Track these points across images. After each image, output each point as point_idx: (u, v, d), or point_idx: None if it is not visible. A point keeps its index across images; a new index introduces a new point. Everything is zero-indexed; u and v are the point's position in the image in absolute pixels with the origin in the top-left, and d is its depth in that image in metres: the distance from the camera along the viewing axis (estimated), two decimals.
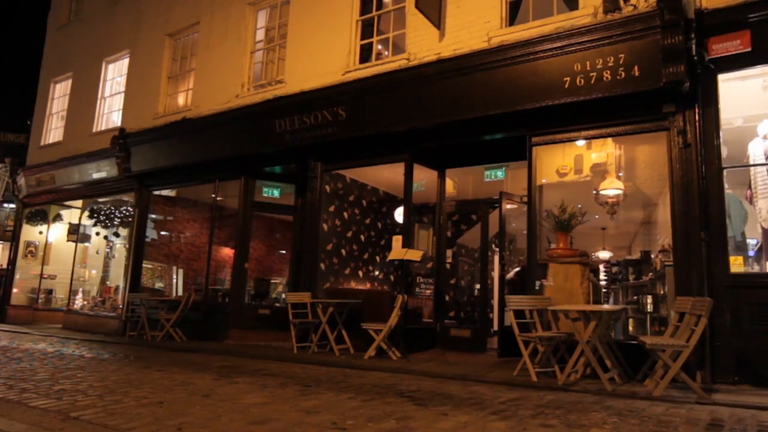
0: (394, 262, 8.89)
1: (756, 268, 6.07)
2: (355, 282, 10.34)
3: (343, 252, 10.06)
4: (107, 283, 13.38)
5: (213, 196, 10.77)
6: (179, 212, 12.92)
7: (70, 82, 14.32)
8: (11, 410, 3.66)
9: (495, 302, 9.73)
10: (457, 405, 4.20)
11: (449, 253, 9.44)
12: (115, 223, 12.98)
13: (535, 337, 5.79)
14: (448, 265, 9.33)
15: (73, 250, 13.57)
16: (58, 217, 14.64)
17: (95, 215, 13.17)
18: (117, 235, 13.09)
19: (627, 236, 11.58)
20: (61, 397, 4.11)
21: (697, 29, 5.76)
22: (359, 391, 4.80)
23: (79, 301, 13.15)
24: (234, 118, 9.66)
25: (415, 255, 7.59)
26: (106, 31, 13.35)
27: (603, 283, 9.41)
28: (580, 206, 7.26)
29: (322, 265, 9.34)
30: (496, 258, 9.92)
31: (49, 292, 14.27)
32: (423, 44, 7.93)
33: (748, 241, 6.33)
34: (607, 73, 6.14)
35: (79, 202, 13.76)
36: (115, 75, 13.34)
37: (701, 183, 5.81)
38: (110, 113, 13.13)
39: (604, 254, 11.72)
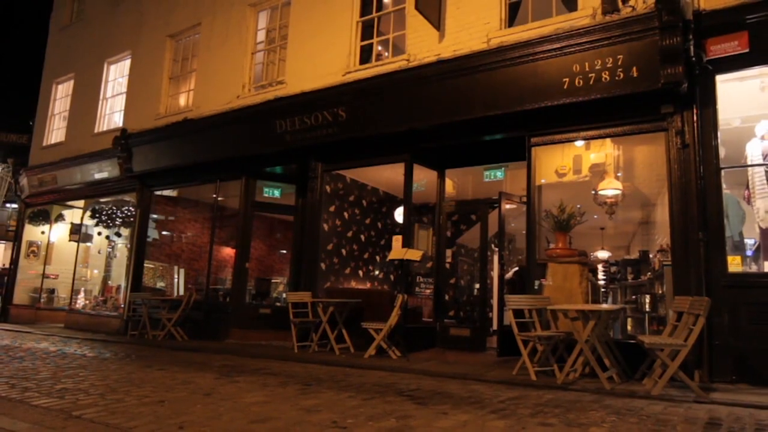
0: (394, 261, 8.88)
1: (754, 268, 6.07)
2: (356, 281, 10.34)
3: (344, 252, 10.06)
4: (109, 282, 13.37)
5: (214, 196, 10.77)
6: (180, 212, 12.92)
7: (72, 82, 14.33)
8: (14, 409, 3.66)
9: (494, 302, 9.74)
10: (456, 404, 4.20)
11: (449, 252, 9.44)
12: (117, 223, 12.99)
13: (534, 336, 5.78)
14: (447, 265, 9.33)
15: (75, 250, 13.58)
16: (60, 217, 14.64)
17: (97, 215, 13.17)
18: (119, 234, 13.09)
19: (625, 236, 11.59)
20: (63, 396, 4.11)
21: (695, 30, 5.77)
22: (359, 389, 4.80)
23: (81, 301, 13.15)
24: (235, 118, 9.66)
25: (414, 255, 7.58)
26: (108, 32, 13.35)
27: (602, 282, 9.40)
28: (578, 206, 7.26)
29: (323, 265, 9.34)
30: (496, 258, 9.93)
31: (51, 291, 14.27)
32: (423, 45, 7.93)
33: (745, 240, 6.33)
34: (605, 74, 6.14)
35: (81, 202, 13.77)
36: (116, 76, 13.33)
37: (699, 183, 5.81)
38: (112, 114, 13.14)
39: (603, 254, 11.71)
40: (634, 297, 8.23)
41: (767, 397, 4.65)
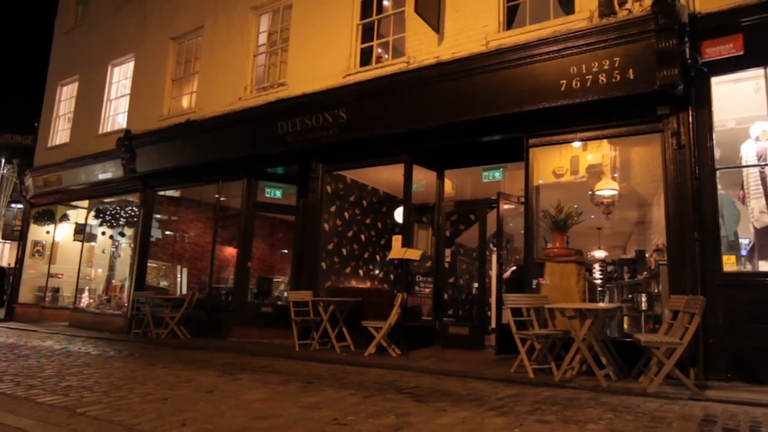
0: (394, 261, 8.89)
1: (748, 267, 6.07)
2: (356, 281, 10.34)
3: (344, 251, 10.06)
4: (113, 281, 13.38)
5: (216, 196, 10.77)
6: (183, 212, 12.93)
7: (76, 84, 14.33)
8: (19, 406, 3.66)
9: (493, 300, 9.73)
10: (455, 401, 4.20)
11: (448, 252, 9.44)
12: (121, 222, 12.99)
13: (532, 334, 5.78)
14: (446, 264, 9.32)
15: (80, 250, 13.57)
16: (64, 217, 14.64)
17: (101, 215, 13.18)
18: (122, 234, 13.10)
19: (622, 236, 11.58)
20: (68, 394, 4.12)
21: (690, 33, 5.77)
22: (360, 387, 4.79)
23: (85, 300, 13.14)
24: (237, 120, 9.66)
25: (414, 254, 7.59)
26: (112, 34, 13.35)
27: (598, 281, 9.40)
28: (576, 206, 7.26)
29: (324, 264, 9.33)
30: (494, 257, 9.93)
31: (56, 290, 14.26)
32: (422, 48, 7.93)
33: (740, 240, 6.32)
34: (602, 75, 6.14)
35: (85, 203, 13.77)
36: (120, 78, 13.33)
37: (695, 184, 5.81)
38: (116, 115, 13.13)
39: (600, 253, 11.70)
40: (630, 296, 8.23)
41: (762, 394, 4.65)
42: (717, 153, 5.85)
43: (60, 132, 14.68)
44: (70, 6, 15.23)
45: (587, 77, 6.23)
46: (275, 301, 10.60)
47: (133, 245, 11.97)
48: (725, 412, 4.00)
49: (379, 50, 8.94)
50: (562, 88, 6.39)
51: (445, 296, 9.43)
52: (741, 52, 5.63)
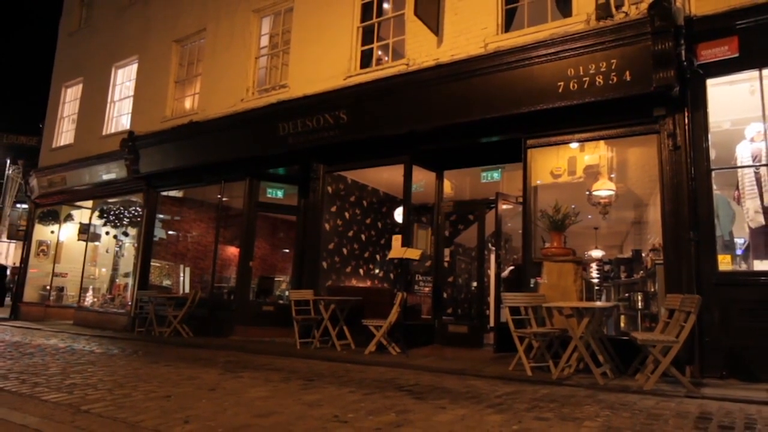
0: (394, 260, 8.88)
1: (743, 267, 6.07)
2: (356, 280, 10.34)
3: (345, 251, 10.06)
4: (116, 280, 13.38)
5: (219, 196, 10.77)
6: (186, 212, 12.93)
7: (80, 86, 14.33)
8: (24, 404, 3.66)
9: (491, 299, 9.73)
10: (454, 399, 4.20)
11: (447, 252, 9.44)
12: (124, 222, 12.99)
13: (530, 333, 5.79)
14: (445, 264, 9.32)
15: (84, 249, 13.57)
16: (69, 217, 14.64)
17: (105, 215, 13.18)
18: (126, 234, 13.10)
19: (619, 235, 11.59)
20: (72, 391, 4.12)
21: (686, 35, 5.77)
22: (360, 385, 4.79)
23: (89, 299, 13.14)
24: (239, 121, 9.66)
25: (414, 254, 7.59)
26: (116, 37, 13.35)
27: (595, 280, 9.40)
28: (573, 206, 7.26)
29: (324, 264, 9.33)
30: (493, 257, 9.94)
31: (61, 289, 14.28)
32: (422, 50, 7.93)
33: (735, 240, 6.33)
34: (599, 77, 6.14)
35: (89, 203, 13.77)
36: (124, 79, 13.34)
37: (690, 184, 5.81)
38: (119, 116, 13.14)
39: (597, 253, 11.71)
40: (627, 295, 8.23)
41: (757, 392, 4.65)
42: (712, 154, 5.85)
43: (64, 133, 14.68)
44: (74, 9, 15.24)
45: (584, 79, 6.23)
46: (277, 300, 10.60)
47: (136, 245, 11.97)
48: (721, 410, 4.00)
49: (379, 52, 8.94)
50: (560, 90, 6.39)
51: (445, 295, 9.43)
52: (736, 55, 5.63)
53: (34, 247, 14.85)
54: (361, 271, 10.53)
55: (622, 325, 8.09)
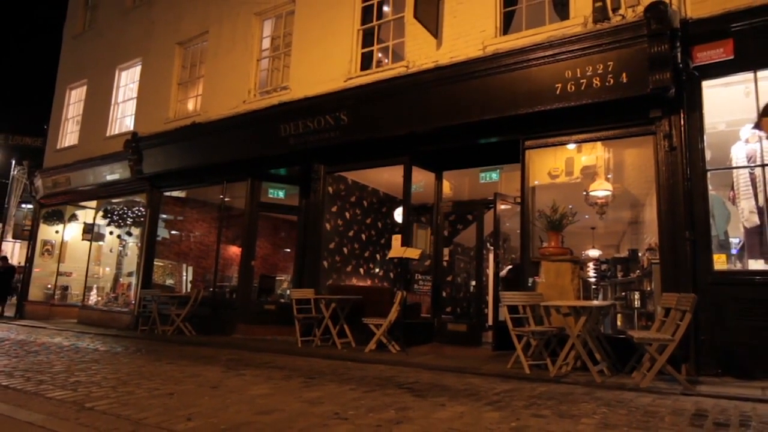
0: (394, 260, 8.87)
1: (738, 266, 6.07)
2: (357, 279, 10.34)
3: (345, 250, 10.06)
4: (120, 280, 13.37)
5: (221, 196, 10.77)
6: (189, 212, 12.92)
7: (84, 88, 14.33)
8: (29, 401, 3.66)
9: (490, 298, 9.73)
10: (453, 396, 4.20)
11: (446, 251, 9.43)
12: (128, 222, 12.99)
13: (528, 331, 5.79)
14: (445, 263, 9.32)
15: (88, 249, 13.57)
16: (73, 217, 14.65)
17: (109, 215, 13.18)
18: (129, 234, 13.09)
19: (615, 235, 11.58)
20: (77, 389, 4.12)
21: (682, 38, 5.77)
22: (360, 382, 4.79)
23: (93, 297, 13.14)
24: (241, 122, 9.66)
25: (413, 253, 7.58)
26: (119, 39, 13.35)
27: (592, 280, 9.40)
28: (570, 207, 7.26)
29: (325, 263, 9.33)
30: (491, 256, 9.92)
31: (65, 288, 14.27)
32: (421, 52, 7.93)
33: (730, 239, 6.33)
34: (596, 79, 6.14)
35: (93, 203, 13.77)
36: (127, 81, 13.34)
37: (686, 184, 5.81)
38: (123, 118, 13.14)
39: (594, 252, 11.71)
40: (623, 294, 8.24)
41: (752, 389, 4.66)
42: (708, 155, 5.85)
43: (69, 134, 14.68)
44: (79, 12, 15.24)
45: (582, 81, 6.23)
46: (278, 299, 10.60)
47: (139, 244, 11.97)
48: (716, 407, 4.00)
49: (380, 55, 8.94)
50: (558, 92, 6.39)
51: (444, 294, 9.43)
52: (731, 57, 5.63)
53: (38, 247, 14.85)
54: (361, 270, 10.53)
55: (618, 323, 8.09)
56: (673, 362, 4.89)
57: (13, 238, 20.03)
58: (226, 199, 10.81)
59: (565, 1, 6.99)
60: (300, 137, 8.80)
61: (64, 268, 14.35)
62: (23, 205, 18.78)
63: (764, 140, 5.80)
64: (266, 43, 10.52)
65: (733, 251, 6.28)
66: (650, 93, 5.78)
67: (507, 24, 7.50)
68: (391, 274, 11.02)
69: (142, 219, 12.18)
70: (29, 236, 15.47)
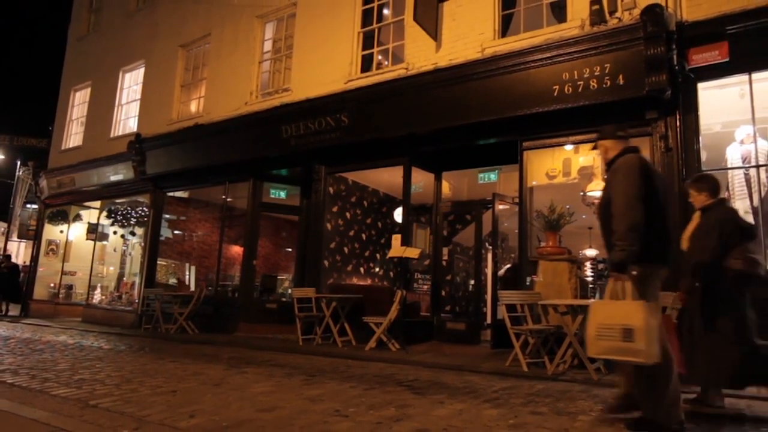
0: (394, 259, 8.88)
1: None
2: (357, 278, 10.34)
3: (346, 250, 10.06)
4: (124, 279, 13.38)
5: (223, 197, 10.77)
6: (191, 212, 12.93)
7: (89, 90, 14.33)
8: (34, 398, 3.66)
9: (488, 297, 9.73)
10: (452, 393, 4.20)
11: (445, 251, 9.43)
12: (132, 222, 12.99)
13: (526, 330, 5.78)
14: (444, 263, 9.32)
15: (92, 248, 13.58)
16: (77, 217, 14.65)
17: (113, 215, 13.18)
18: (133, 234, 13.09)
19: None
20: (81, 386, 4.11)
21: (678, 40, 5.77)
22: (361, 380, 4.79)
23: (97, 296, 13.15)
24: (243, 124, 9.66)
25: (413, 253, 7.58)
26: (123, 42, 13.35)
27: (589, 279, 9.39)
28: (568, 207, 7.26)
29: (326, 262, 9.33)
30: (489, 255, 9.91)
31: (69, 287, 14.28)
32: (421, 55, 7.93)
33: None
34: (593, 81, 6.14)
35: (97, 203, 13.78)
36: (131, 83, 13.34)
37: (682, 185, 5.80)
38: (127, 119, 13.14)
39: (591, 252, 11.70)
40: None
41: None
42: (703, 155, 5.85)
43: (73, 135, 14.69)
44: (83, 14, 15.25)
45: (579, 83, 6.23)
46: (280, 298, 10.60)
47: (143, 244, 11.97)
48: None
49: (380, 57, 8.95)
50: (555, 94, 6.39)
51: (443, 293, 9.43)
52: (726, 59, 5.64)
53: (43, 246, 14.86)
54: (361, 269, 10.53)
55: None
56: None
57: (19, 237, 20.05)
58: (229, 200, 10.81)
59: (562, 4, 7.00)
60: (301, 138, 8.80)
61: (68, 267, 14.36)
62: (28, 206, 18.81)
63: (759, 141, 5.80)
64: (268, 46, 10.52)
65: None
66: (646, 95, 5.78)
67: (505, 27, 7.50)
68: (391, 274, 11.02)
69: (145, 219, 12.18)
70: (34, 236, 15.48)
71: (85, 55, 14.67)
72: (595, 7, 6.35)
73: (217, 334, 9.11)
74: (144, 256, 11.57)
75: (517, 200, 7.26)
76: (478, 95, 7.01)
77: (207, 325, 9.59)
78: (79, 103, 14.82)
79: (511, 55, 6.78)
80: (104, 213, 13.42)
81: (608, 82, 6.04)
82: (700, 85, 5.88)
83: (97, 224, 13.69)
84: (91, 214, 14.20)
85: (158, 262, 11.69)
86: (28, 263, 16.31)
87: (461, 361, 6.12)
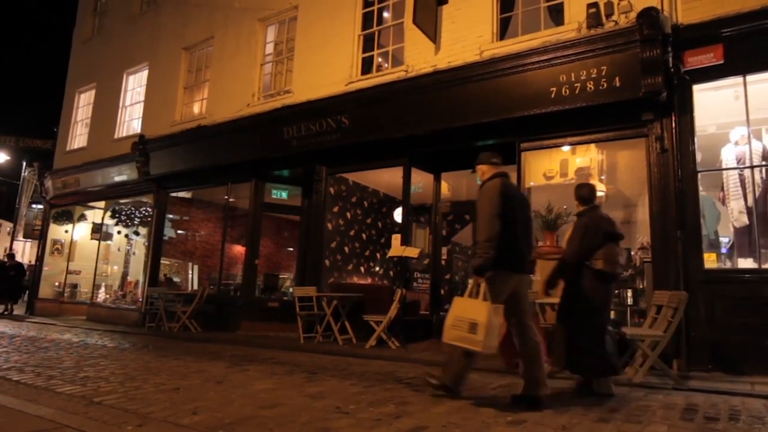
0: (394, 258, 8.88)
1: (728, 264, 6.07)
2: (357, 277, 10.34)
3: (346, 249, 10.06)
4: (128, 278, 13.38)
5: (226, 197, 10.78)
6: (194, 212, 12.93)
7: (93, 92, 14.34)
8: (39, 396, 3.66)
9: None
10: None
11: (444, 250, 9.44)
12: (135, 222, 13.00)
13: None
14: (443, 262, 9.33)
15: (97, 248, 13.59)
16: (82, 217, 14.65)
17: (117, 215, 13.19)
18: (137, 233, 13.10)
19: None
20: (86, 384, 4.12)
21: (673, 43, 5.77)
22: (361, 377, 4.79)
23: (101, 295, 13.15)
24: (245, 125, 9.66)
25: (412, 252, 7.58)
26: (127, 44, 13.35)
27: None
28: (565, 207, 7.24)
29: (327, 262, 9.33)
30: None
31: (74, 286, 14.27)
32: (420, 57, 7.93)
33: (721, 239, 6.34)
34: (590, 83, 6.14)
35: (101, 203, 13.78)
36: (135, 85, 13.34)
37: (677, 185, 5.81)
38: (131, 121, 13.14)
39: None
40: (616, 291, 8.20)
41: (741, 384, 4.66)
42: (698, 156, 5.85)
43: (78, 137, 14.69)
44: (88, 18, 15.25)
45: (576, 85, 6.23)
46: (281, 297, 10.59)
47: (147, 244, 11.97)
48: (706, 401, 4.01)
49: (380, 59, 8.94)
50: (552, 95, 6.39)
51: (442, 292, 9.42)
52: (721, 62, 5.64)
53: (48, 246, 14.86)
54: (362, 268, 10.53)
55: None
56: (664, 358, 4.89)
57: (24, 237, 20.07)
58: (231, 200, 10.82)
59: (560, 7, 7.00)
60: (302, 139, 8.80)
61: (73, 266, 14.35)
62: (34, 206, 18.81)
63: (753, 142, 5.80)
64: (270, 48, 10.52)
65: (723, 250, 6.28)
66: (642, 96, 5.78)
67: (503, 30, 7.50)
68: (391, 273, 11.02)
69: (149, 219, 12.18)
70: (39, 235, 15.48)
71: (89, 57, 14.67)
72: (592, 10, 6.35)
73: (220, 333, 9.11)
74: (147, 256, 11.57)
75: None
76: (477, 97, 7.01)
77: (209, 324, 9.59)
78: (83, 104, 14.82)
79: (509, 58, 6.78)
80: (108, 213, 13.42)
81: (605, 84, 6.04)
82: (696, 87, 5.88)
83: (102, 224, 13.69)
84: (95, 214, 14.20)
85: (162, 261, 11.69)
86: (33, 262, 16.31)
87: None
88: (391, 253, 8.08)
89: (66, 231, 14.79)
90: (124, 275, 13.59)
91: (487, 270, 3.70)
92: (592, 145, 7.16)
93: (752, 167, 5.83)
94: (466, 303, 3.80)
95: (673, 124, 5.89)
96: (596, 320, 4.16)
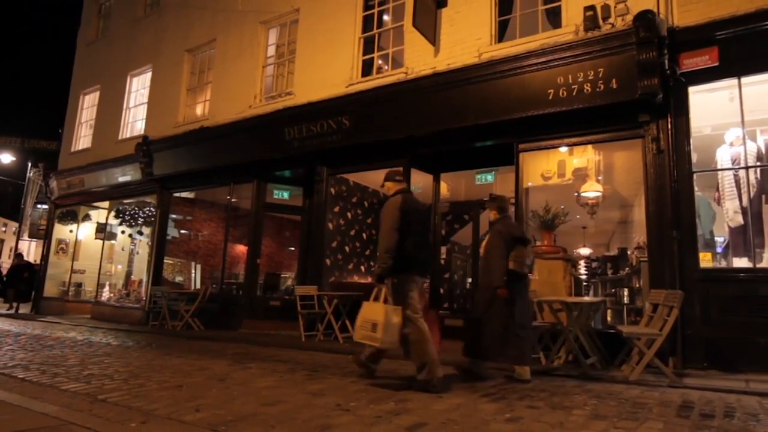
0: None
1: (723, 264, 6.07)
2: (358, 276, 10.33)
3: (347, 249, 10.06)
4: (132, 277, 13.37)
5: (228, 197, 10.77)
6: (197, 212, 12.93)
7: (97, 93, 14.33)
8: (44, 393, 3.66)
9: None
10: (450, 388, 4.20)
11: (443, 250, 9.44)
12: (139, 222, 12.99)
13: None
14: (442, 261, 9.32)
15: (101, 247, 13.58)
16: (86, 217, 14.65)
17: (121, 215, 13.18)
18: (140, 233, 13.10)
19: (605, 234, 11.58)
20: (90, 381, 4.11)
21: (669, 45, 5.77)
22: (361, 375, 4.78)
23: (106, 294, 13.15)
24: (247, 126, 9.66)
25: None
26: (131, 47, 13.35)
27: (583, 277, 9.39)
28: (562, 207, 7.26)
29: (328, 261, 9.33)
30: None
31: (79, 285, 14.27)
32: (419, 59, 7.93)
33: (716, 238, 6.33)
34: (587, 85, 6.14)
35: (106, 203, 13.77)
36: (138, 87, 13.34)
37: (673, 186, 5.81)
38: (134, 122, 13.14)
39: (585, 251, 11.71)
40: (613, 290, 8.23)
41: (736, 382, 4.66)
42: (694, 157, 5.85)
43: (82, 138, 14.68)
44: (92, 20, 15.24)
45: (573, 87, 6.23)
46: (283, 296, 10.58)
47: (150, 243, 11.97)
48: (702, 399, 4.01)
49: (380, 62, 8.94)
50: (550, 97, 6.39)
51: (441, 291, 9.43)
52: (716, 64, 5.64)
53: (53, 246, 14.86)
54: (362, 268, 10.53)
55: (608, 319, 8.08)
56: (660, 356, 4.89)
57: (30, 237, 20.07)
58: (233, 200, 10.81)
59: (557, 10, 7.00)
60: (303, 141, 8.80)
61: (77, 265, 14.35)
62: (39, 206, 18.81)
63: (748, 143, 5.80)
64: (271, 51, 10.52)
65: (719, 250, 6.28)
66: (639, 98, 5.78)
67: (502, 32, 7.50)
68: None
69: (152, 219, 12.18)
70: (44, 235, 15.48)
71: (93, 59, 14.67)
72: (589, 13, 6.35)
73: (222, 331, 9.11)
74: (151, 255, 11.56)
75: (513, 201, 7.25)
76: (476, 99, 7.01)
77: (212, 322, 9.58)
78: (88, 106, 14.82)
79: (507, 60, 6.78)
80: (113, 213, 13.42)
81: (602, 86, 6.04)
82: (691, 89, 5.88)
83: (106, 224, 13.69)
84: (99, 214, 14.20)
85: (165, 260, 11.68)
86: (38, 262, 16.30)
87: (459, 357, 6.10)
88: None
89: (71, 231, 14.79)
90: (128, 274, 13.58)
91: (386, 277, 4.14)
92: (590, 146, 7.17)
93: (747, 168, 5.84)
94: (371, 306, 4.27)
95: (669, 126, 5.89)
96: (504, 312, 4.60)
